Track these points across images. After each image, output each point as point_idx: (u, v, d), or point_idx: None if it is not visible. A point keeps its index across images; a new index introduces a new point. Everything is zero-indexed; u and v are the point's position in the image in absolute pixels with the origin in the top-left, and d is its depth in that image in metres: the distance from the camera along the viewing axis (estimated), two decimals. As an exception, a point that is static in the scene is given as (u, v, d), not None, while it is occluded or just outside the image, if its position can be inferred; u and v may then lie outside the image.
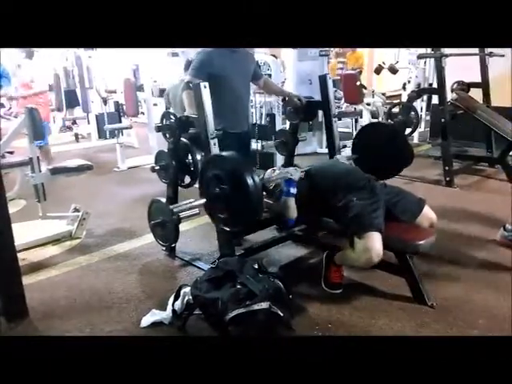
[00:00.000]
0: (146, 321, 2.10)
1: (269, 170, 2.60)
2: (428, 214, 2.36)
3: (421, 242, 2.17)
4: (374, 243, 2.08)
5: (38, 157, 3.16)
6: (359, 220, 2.16)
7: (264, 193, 2.86)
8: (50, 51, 8.13)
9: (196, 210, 2.91)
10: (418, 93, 4.93)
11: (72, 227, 3.22)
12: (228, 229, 2.30)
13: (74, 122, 8.24)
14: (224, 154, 2.26)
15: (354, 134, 5.57)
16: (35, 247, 3.01)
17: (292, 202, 2.37)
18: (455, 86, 5.02)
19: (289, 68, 5.92)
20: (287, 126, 3.38)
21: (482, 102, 4.85)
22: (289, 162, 3.17)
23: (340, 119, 5.88)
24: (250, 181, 2.00)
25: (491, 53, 4.81)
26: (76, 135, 7.41)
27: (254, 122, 4.81)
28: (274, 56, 5.96)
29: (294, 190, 2.37)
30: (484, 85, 4.91)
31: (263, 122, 5.06)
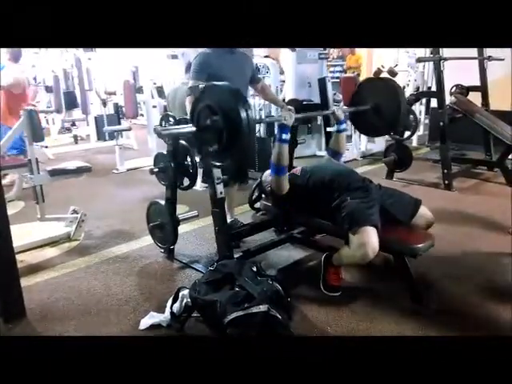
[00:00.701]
0: (145, 323, 2.10)
1: (266, 172, 2.61)
2: (425, 213, 2.36)
3: (420, 245, 2.17)
4: (370, 238, 2.07)
5: (36, 158, 3.15)
6: (353, 216, 2.16)
7: (262, 195, 2.88)
8: (49, 53, 8.16)
9: (195, 212, 2.93)
10: (417, 96, 4.95)
11: (70, 229, 3.22)
12: (217, 163, 2.25)
13: (74, 124, 8.24)
14: (216, 83, 2.22)
15: (354, 136, 5.60)
16: (33, 249, 3.01)
17: (285, 148, 2.37)
18: (454, 89, 5.03)
19: (288, 71, 5.93)
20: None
21: (480, 105, 4.87)
22: (288, 165, 3.17)
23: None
24: (242, 113, 1.95)
25: (490, 56, 4.83)
26: (75, 137, 7.41)
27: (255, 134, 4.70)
28: (272, 58, 5.97)
29: (286, 136, 2.36)
30: (483, 88, 4.92)
31: (261, 131, 4.97)
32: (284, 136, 2.35)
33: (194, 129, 2.17)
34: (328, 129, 2.81)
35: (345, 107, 2.88)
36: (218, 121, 2.03)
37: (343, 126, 2.73)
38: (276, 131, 2.37)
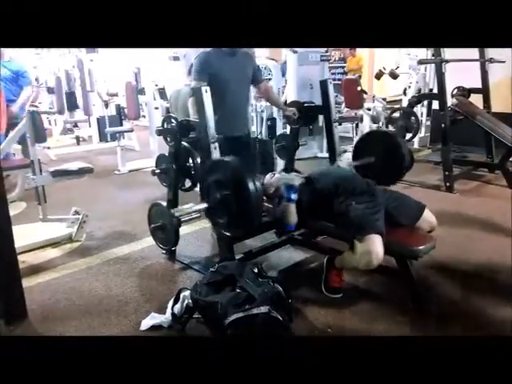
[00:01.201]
0: (146, 324, 2.10)
1: (268, 175, 2.61)
2: (428, 217, 2.36)
3: (421, 247, 2.17)
4: (375, 246, 2.07)
5: (39, 159, 3.16)
6: (359, 223, 2.16)
7: (264, 197, 2.88)
8: (50, 53, 8.19)
9: (197, 214, 2.93)
10: (419, 98, 4.95)
11: (72, 230, 3.23)
12: (228, 234, 2.31)
13: (76, 125, 8.26)
14: (225, 159, 2.27)
15: (355, 139, 5.60)
16: (35, 249, 3.02)
17: (293, 207, 2.37)
18: (455, 91, 5.03)
19: (290, 72, 5.93)
20: (288, 130, 3.38)
21: (482, 107, 4.87)
22: (289, 167, 3.18)
23: (340, 124, 5.89)
24: (251, 187, 2.02)
25: (491, 59, 4.82)
26: (77, 138, 7.43)
27: (255, 135, 4.60)
28: (274, 60, 5.98)
29: (294, 196, 2.36)
30: (484, 90, 4.92)
31: (263, 133, 4.92)
32: (292, 196, 2.35)
33: (205, 205, 2.28)
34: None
35: (350, 160, 2.93)
36: (227, 196, 2.13)
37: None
38: (284, 192, 2.38)
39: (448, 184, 4.28)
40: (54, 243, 3.13)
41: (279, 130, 4.91)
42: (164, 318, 2.11)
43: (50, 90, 7.76)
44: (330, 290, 2.38)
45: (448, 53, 4.31)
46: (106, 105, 6.82)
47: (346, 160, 2.82)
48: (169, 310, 2.13)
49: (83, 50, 7.25)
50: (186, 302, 2.14)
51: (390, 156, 2.86)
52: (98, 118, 6.82)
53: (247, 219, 2.16)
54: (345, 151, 3.99)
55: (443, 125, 4.27)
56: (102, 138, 6.79)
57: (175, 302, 2.15)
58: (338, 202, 2.30)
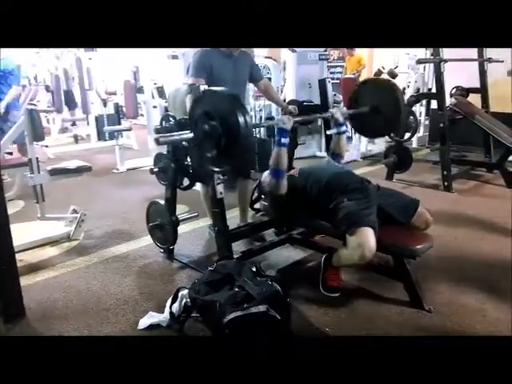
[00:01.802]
0: (144, 323, 2.10)
1: (265, 173, 2.61)
2: (423, 213, 2.36)
3: (418, 247, 2.17)
4: (367, 239, 2.07)
5: (37, 158, 3.15)
6: (350, 217, 2.15)
7: (262, 196, 2.88)
8: (50, 52, 8.17)
9: (195, 213, 2.93)
10: (417, 98, 4.95)
11: (70, 228, 3.22)
12: (216, 168, 2.23)
13: (74, 124, 8.25)
14: (214, 89, 2.23)
15: (354, 136, 5.61)
16: (33, 248, 3.01)
17: (284, 152, 2.36)
18: (454, 91, 5.04)
19: (289, 72, 5.93)
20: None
21: (480, 107, 4.87)
22: (288, 165, 3.18)
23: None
24: (240, 117, 1.94)
25: (490, 58, 4.83)
26: (75, 136, 7.41)
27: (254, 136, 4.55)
28: (273, 59, 5.98)
29: (285, 140, 2.34)
30: (483, 90, 4.93)
31: (262, 132, 4.87)
32: (283, 140, 2.34)
33: (191, 135, 2.17)
34: (328, 131, 2.80)
35: (344, 109, 2.86)
36: (216, 126, 2.04)
37: (343, 128, 2.71)
38: (275, 134, 2.36)
39: (446, 183, 4.29)
40: (52, 242, 3.12)
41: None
42: (162, 317, 2.11)
43: (48, 89, 7.74)
44: (327, 289, 2.38)
45: (447, 52, 4.31)
46: (105, 103, 6.81)
47: (339, 110, 2.77)
48: (167, 309, 2.13)
49: (81, 48, 7.24)
50: (184, 300, 2.14)
51: (385, 106, 2.81)
52: (96, 117, 6.81)
53: (236, 151, 2.07)
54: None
55: (442, 124, 4.28)
56: (101, 136, 6.78)
57: (173, 301, 2.14)
58: (331, 198, 2.30)
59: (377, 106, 2.83)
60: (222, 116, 2.02)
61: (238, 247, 2.80)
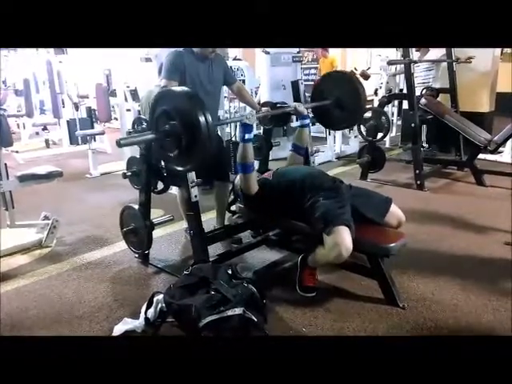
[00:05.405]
0: (119, 329, 2.06)
1: (239, 175, 2.61)
2: (395, 212, 2.41)
3: (392, 245, 2.21)
4: (343, 238, 2.09)
5: (5, 164, 3.07)
6: (326, 216, 2.17)
7: (238, 199, 2.88)
8: (18, 55, 7.98)
9: (170, 216, 2.90)
10: (389, 98, 5.03)
11: (42, 235, 3.14)
12: (179, 168, 2.19)
13: (45, 128, 8.05)
14: (173, 89, 2.23)
15: (328, 137, 5.66)
16: (3, 256, 2.92)
17: (249, 146, 2.38)
18: (424, 91, 5.14)
19: (262, 74, 5.94)
20: (261, 131, 3.39)
21: (450, 107, 4.99)
22: (263, 167, 3.19)
23: (313, 124, 5.94)
24: (200, 116, 1.94)
25: (458, 59, 4.96)
26: (47, 141, 7.25)
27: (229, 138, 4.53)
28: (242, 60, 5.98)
29: (249, 136, 2.37)
30: (452, 90, 5.05)
31: (237, 135, 4.88)
32: (247, 136, 2.36)
33: (152, 136, 2.14)
34: (292, 124, 2.87)
35: (303, 104, 2.91)
36: (176, 125, 2.02)
37: (306, 121, 2.80)
38: (240, 130, 2.38)
39: (419, 182, 4.37)
40: (22, 250, 3.04)
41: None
42: (137, 323, 2.08)
43: (17, 93, 7.55)
44: (304, 289, 2.39)
45: (416, 54, 4.40)
46: (77, 107, 6.68)
47: (300, 105, 2.80)
48: (142, 315, 2.10)
49: (51, 50, 7.10)
50: (159, 306, 2.11)
51: (347, 98, 2.91)
52: (68, 121, 6.67)
53: (198, 150, 2.04)
54: (317, 151, 4.03)
55: (413, 124, 4.36)
56: (73, 140, 6.64)
57: (148, 307, 2.12)
58: (305, 198, 2.32)
59: (338, 98, 2.91)
60: (182, 115, 2.02)
61: (215, 250, 2.78)
